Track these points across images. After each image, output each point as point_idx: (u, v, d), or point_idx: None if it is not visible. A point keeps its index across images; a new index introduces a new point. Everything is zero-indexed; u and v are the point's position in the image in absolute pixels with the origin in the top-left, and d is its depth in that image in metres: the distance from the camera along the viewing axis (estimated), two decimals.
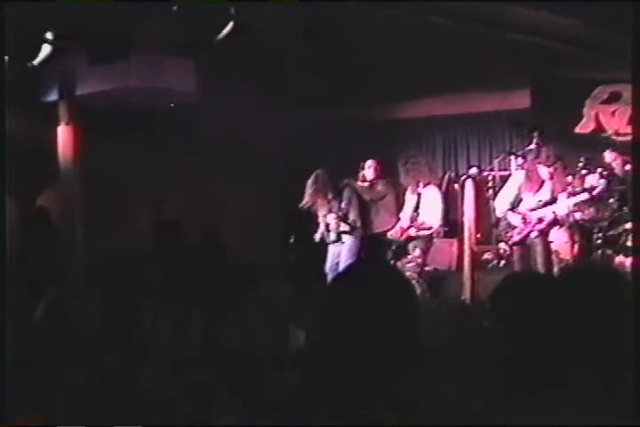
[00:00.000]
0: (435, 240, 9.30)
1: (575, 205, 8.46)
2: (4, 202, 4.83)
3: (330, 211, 9.41)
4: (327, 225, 9.51)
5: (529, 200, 8.51)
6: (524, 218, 8.44)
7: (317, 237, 9.62)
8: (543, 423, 2.28)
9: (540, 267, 8.27)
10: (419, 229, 9.09)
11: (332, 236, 9.50)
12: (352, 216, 9.40)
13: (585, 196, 8.46)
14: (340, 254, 9.54)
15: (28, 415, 3.00)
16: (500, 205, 8.75)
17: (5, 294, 3.68)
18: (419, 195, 9.24)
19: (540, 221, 8.37)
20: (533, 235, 8.41)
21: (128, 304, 3.81)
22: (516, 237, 8.48)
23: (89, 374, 3.32)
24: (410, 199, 9.36)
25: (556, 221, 8.49)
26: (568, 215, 8.55)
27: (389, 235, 9.35)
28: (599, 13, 8.24)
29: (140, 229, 10.55)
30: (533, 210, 8.42)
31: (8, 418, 3.04)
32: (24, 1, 6.33)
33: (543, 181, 8.46)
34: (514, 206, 8.60)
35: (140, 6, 7.30)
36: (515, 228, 8.52)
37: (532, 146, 8.93)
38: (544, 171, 8.39)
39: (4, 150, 4.02)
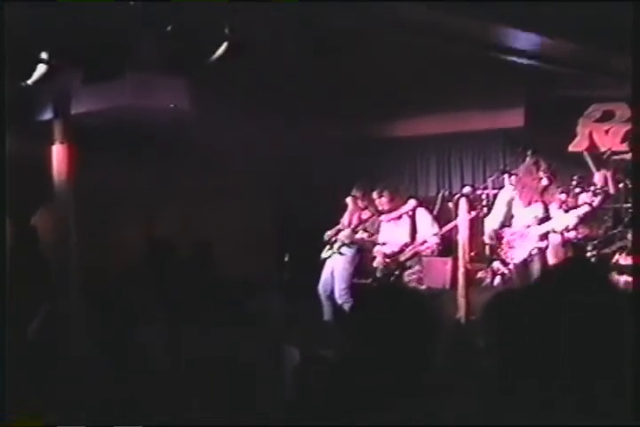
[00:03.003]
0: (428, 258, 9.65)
1: (577, 218, 8.46)
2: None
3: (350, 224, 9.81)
4: (333, 241, 9.73)
5: (522, 215, 8.50)
6: (522, 235, 8.43)
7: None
8: (544, 423, 2.29)
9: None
10: (421, 244, 9.46)
11: (335, 247, 9.69)
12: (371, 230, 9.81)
13: (585, 208, 8.45)
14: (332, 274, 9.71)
15: (27, 415, 3.00)
16: (491, 223, 8.74)
17: (5, 296, 3.70)
18: (412, 218, 9.63)
19: (542, 238, 8.36)
20: (534, 252, 8.40)
21: (123, 314, 3.82)
22: (519, 256, 8.45)
23: (88, 374, 3.32)
24: (403, 223, 9.59)
25: (558, 238, 8.51)
26: (568, 231, 8.55)
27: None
28: (593, 32, 8.28)
29: (134, 247, 10.52)
30: (529, 226, 8.42)
31: (8, 418, 3.04)
32: (23, 0, 6.33)
33: (534, 195, 8.46)
34: (504, 225, 8.60)
35: (133, 26, 7.32)
36: (512, 247, 8.50)
37: (526, 162, 8.94)
38: (540, 183, 8.41)
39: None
